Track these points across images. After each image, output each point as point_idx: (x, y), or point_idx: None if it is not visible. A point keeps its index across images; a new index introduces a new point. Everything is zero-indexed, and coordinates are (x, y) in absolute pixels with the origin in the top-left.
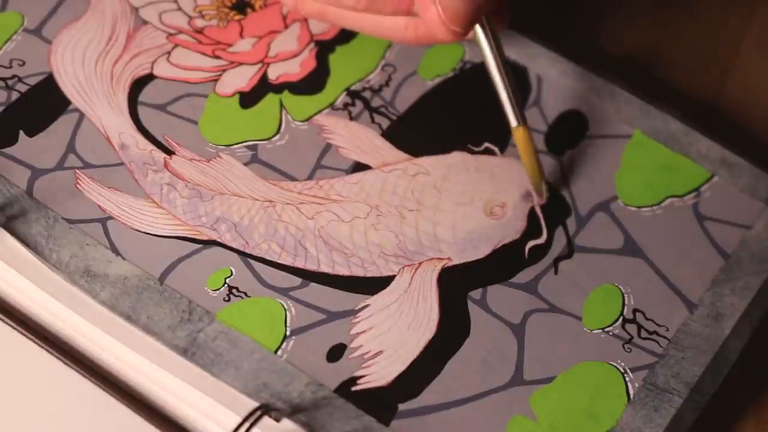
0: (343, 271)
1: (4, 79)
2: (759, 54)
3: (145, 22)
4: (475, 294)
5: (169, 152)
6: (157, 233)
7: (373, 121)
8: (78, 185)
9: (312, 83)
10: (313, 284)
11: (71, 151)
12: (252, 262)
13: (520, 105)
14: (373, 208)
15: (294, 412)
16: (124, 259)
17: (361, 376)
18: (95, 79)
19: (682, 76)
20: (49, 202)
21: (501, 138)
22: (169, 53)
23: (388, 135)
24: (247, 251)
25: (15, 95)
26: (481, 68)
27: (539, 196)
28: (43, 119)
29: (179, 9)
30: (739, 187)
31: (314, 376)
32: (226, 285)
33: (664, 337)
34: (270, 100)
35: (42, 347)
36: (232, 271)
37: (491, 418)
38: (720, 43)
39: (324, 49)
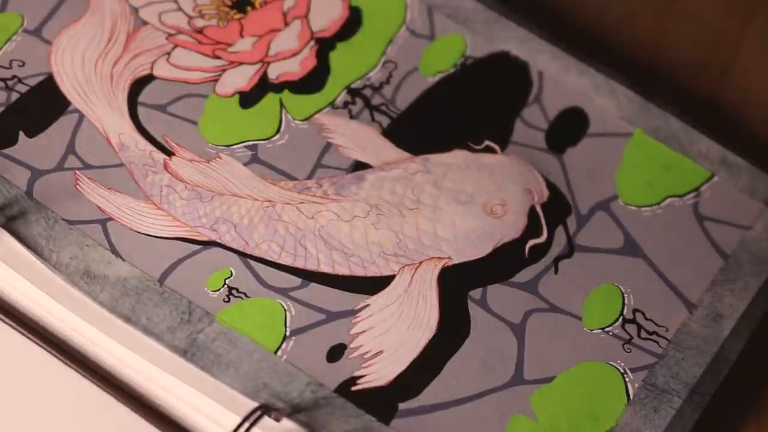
0: (343, 271)
1: (4, 80)
2: (759, 54)
3: (145, 23)
4: (475, 293)
5: (168, 153)
6: (157, 234)
7: (373, 119)
8: (78, 186)
9: (312, 82)
10: (313, 284)
11: (71, 151)
12: (252, 262)
13: None
14: (373, 207)
15: (294, 412)
16: (123, 260)
17: (361, 376)
18: (95, 79)
19: (682, 75)
20: (49, 203)
21: (501, 136)
22: (168, 54)
23: (389, 133)
24: (247, 252)
25: (15, 96)
26: (482, 64)
27: None
28: (43, 120)
29: (179, 9)
30: (738, 188)
31: (314, 376)
32: (225, 286)
33: (664, 338)
34: (270, 99)
35: (42, 347)
36: (231, 272)
37: (491, 418)
38: (720, 43)
39: (324, 46)
